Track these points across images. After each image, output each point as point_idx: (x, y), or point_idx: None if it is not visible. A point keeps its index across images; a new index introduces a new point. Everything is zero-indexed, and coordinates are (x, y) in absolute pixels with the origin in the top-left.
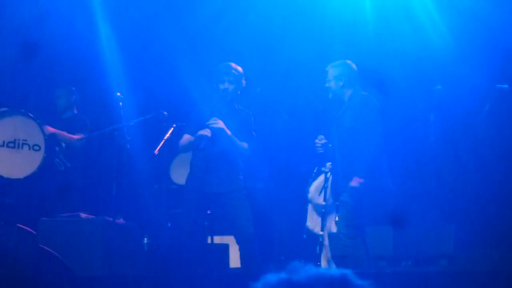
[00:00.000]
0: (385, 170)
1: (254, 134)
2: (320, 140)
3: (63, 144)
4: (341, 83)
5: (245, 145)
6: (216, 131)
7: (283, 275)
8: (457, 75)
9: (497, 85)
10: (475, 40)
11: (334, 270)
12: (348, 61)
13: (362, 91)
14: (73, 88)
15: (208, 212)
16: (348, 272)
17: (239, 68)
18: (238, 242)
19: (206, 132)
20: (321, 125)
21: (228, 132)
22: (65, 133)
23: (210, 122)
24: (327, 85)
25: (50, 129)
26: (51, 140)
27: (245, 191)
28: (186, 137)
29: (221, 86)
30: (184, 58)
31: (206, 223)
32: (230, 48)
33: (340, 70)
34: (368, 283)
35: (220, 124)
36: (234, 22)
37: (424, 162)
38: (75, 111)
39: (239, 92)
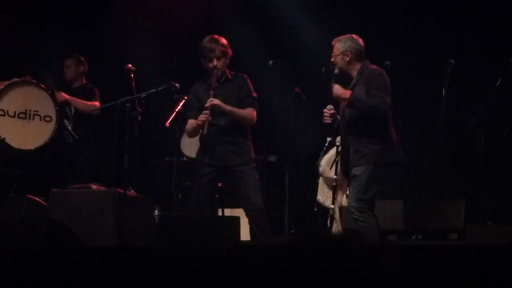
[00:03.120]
0: (396, 143)
1: (255, 95)
2: (329, 110)
3: (71, 116)
4: (347, 58)
5: (250, 111)
6: (215, 111)
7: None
8: (469, 49)
9: (511, 60)
10: (487, 14)
11: None
12: (355, 36)
13: (371, 65)
14: (82, 58)
15: (220, 185)
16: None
17: (223, 40)
18: (247, 215)
19: (205, 117)
20: (333, 99)
21: (227, 108)
22: (80, 100)
23: (207, 105)
24: (332, 59)
25: (64, 96)
26: (62, 111)
27: (254, 163)
28: (191, 123)
29: (210, 65)
30: (196, 29)
31: (217, 196)
32: (241, 20)
33: (347, 44)
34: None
35: (216, 102)
36: None
37: (435, 136)
38: (84, 81)
39: (227, 62)
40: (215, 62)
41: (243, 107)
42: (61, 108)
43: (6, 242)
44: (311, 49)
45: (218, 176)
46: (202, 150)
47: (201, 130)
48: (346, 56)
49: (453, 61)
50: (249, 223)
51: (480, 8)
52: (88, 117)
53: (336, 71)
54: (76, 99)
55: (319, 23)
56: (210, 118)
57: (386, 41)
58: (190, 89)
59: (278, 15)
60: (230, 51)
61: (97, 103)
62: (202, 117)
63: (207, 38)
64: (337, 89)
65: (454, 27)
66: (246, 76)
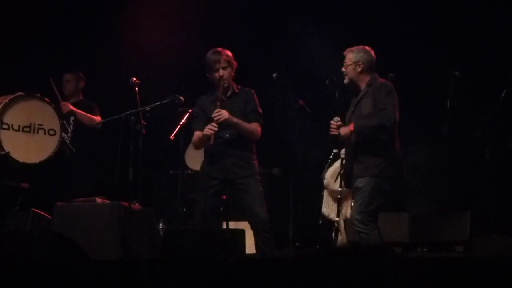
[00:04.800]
0: (399, 158)
1: (260, 111)
2: (336, 122)
3: (70, 129)
4: (359, 69)
5: (255, 125)
6: (222, 123)
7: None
8: (474, 61)
9: None
10: (491, 26)
11: None
12: (368, 48)
13: (379, 78)
14: (81, 74)
15: (224, 197)
16: None
17: (227, 51)
18: (252, 228)
19: (212, 128)
20: (337, 111)
21: (234, 119)
22: (86, 113)
23: (214, 115)
24: (343, 69)
25: (70, 106)
26: (64, 124)
27: (259, 176)
28: (197, 134)
29: (217, 75)
30: (200, 42)
31: (221, 208)
32: (244, 33)
33: (359, 55)
34: None
35: (225, 114)
36: (250, 7)
37: (440, 147)
38: (81, 97)
39: (233, 74)
40: (221, 72)
41: (248, 121)
42: (66, 119)
43: (11, 256)
44: (315, 62)
45: (223, 189)
46: (206, 163)
47: (208, 141)
48: (358, 67)
49: (457, 73)
50: (254, 235)
51: (484, 19)
52: (88, 130)
53: (345, 81)
54: (81, 112)
55: (323, 35)
56: (217, 128)
57: (390, 53)
58: (196, 101)
59: (281, 27)
60: (235, 63)
61: (99, 118)
62: (209, 128)
63: (211, 51)
64: (343, 131)
65: (458, 38)
66: (253, 91)
